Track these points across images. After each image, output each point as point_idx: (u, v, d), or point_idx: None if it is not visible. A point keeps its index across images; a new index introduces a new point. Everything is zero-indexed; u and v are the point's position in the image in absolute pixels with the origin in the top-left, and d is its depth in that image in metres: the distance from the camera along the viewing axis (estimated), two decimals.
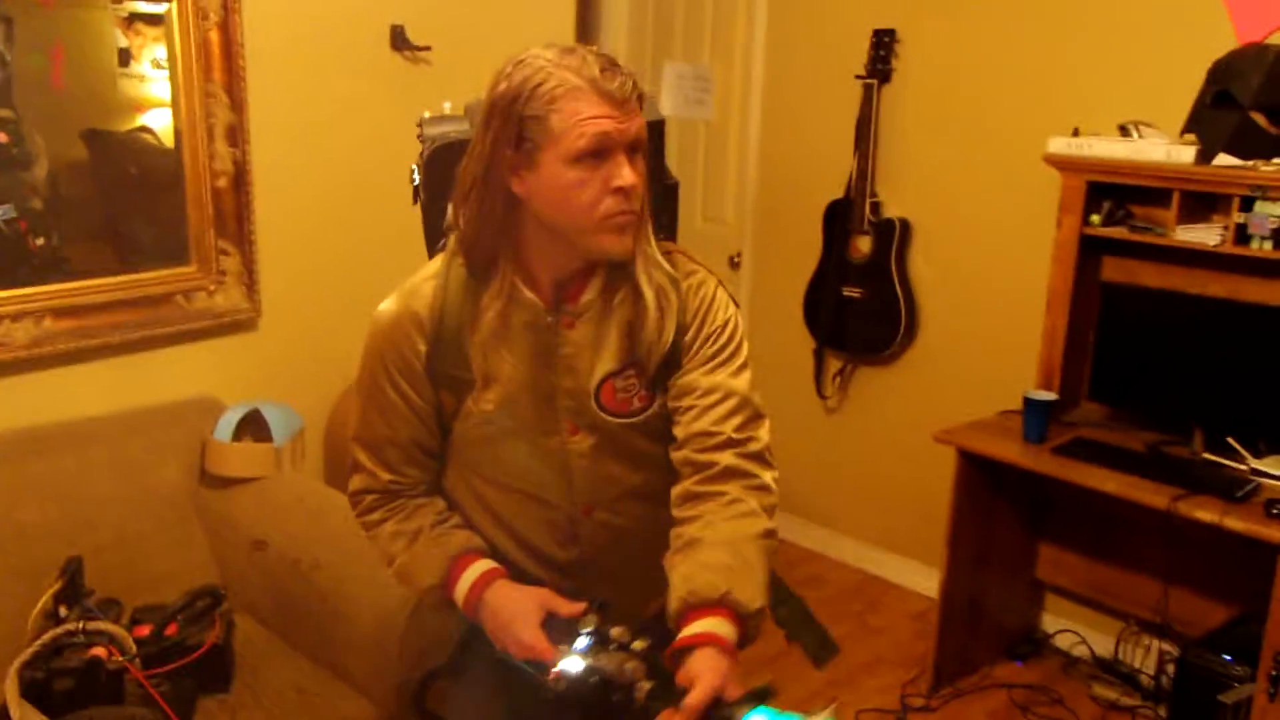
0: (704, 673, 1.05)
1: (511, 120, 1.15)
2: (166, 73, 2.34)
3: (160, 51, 2.32)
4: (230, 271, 2.51)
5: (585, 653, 1.10)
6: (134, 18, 2.28)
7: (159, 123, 2.38)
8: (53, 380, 2.29)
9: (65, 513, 2.11)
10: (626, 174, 1.15)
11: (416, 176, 1.46)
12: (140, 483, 2.24)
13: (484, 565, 1.30)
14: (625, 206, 1.17)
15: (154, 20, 2.31)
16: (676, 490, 1.26)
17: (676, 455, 1.27)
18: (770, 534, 1.24)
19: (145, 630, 1.88)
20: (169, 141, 2.39)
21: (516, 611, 1.23)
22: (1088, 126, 2.63)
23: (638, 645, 1.10)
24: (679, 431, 1.27)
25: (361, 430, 1.34)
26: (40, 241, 2.22)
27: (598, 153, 1.14)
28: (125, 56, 2.28)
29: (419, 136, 1.45)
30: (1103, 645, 2.88)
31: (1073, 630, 2.94)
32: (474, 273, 1.25)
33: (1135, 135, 2.53)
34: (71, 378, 2.31)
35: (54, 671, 1.75)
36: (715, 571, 1.14)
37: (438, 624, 1.95)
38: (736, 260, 3.76)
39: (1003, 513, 2.78)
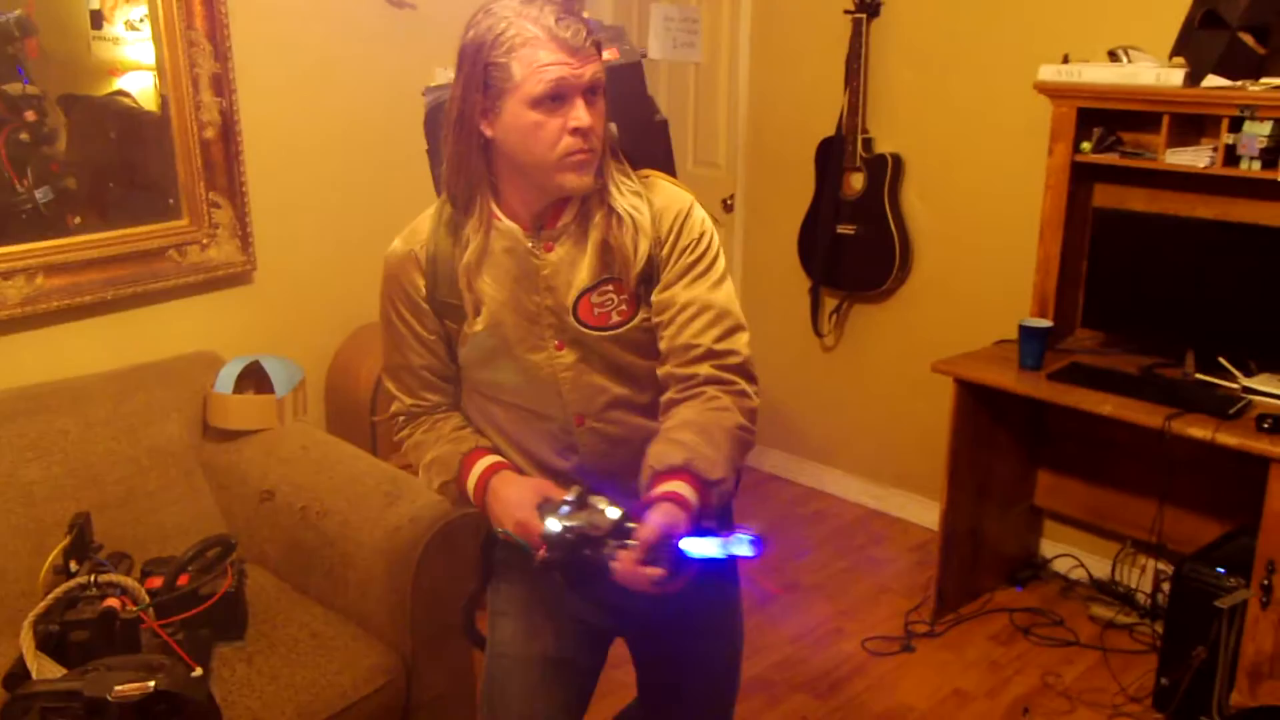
0: (657, 517, 1.17)
1: (478, 67, 1.25)
2: (140, 34, 2.31)
3: (134, 13, 2.29)
4: (223, 224, 2.50)
5: (564, 516, 1.24)
6: None
7: (136, 85, 2.35)
8: (49, 339, 2.29)
9: (69, 471, 2.12)
10: (582, 115, 1.26)
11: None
12: (143, 439, 2.25)
13: (490, 459, 1.42)
14: (583, 145, 1.27)
15: None
16: (662, 401, 1.36)
17: (661, 371, 1.37)
18: (744, 429, 1.32)
19: (157, 581, 1.90)
20: (147, 104, 2.37)
21: (515, 495, 1.35)
22: (1077, 53, 2.62)
23: (612, 510, 1.22)
24: (662, 346, 1.36)
25: (385, 360, 1.49)
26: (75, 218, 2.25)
27: (555, 96, 1.24)
28: (98, 19, 2.25)
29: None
30: (1100, 567, 2.93)
31: (1070, 554, 3.00)
32: (458, 208, 1.36)
33: (1124, 60, 2.52)
34: (68, 336, 2.31)
35: (69, 624, 1.76)
36: (679, 444, 1.26)
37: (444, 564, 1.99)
38: (729, 203, 3.75)
39: (1001, 442, 2.81)
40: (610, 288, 1.35)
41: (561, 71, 1.23)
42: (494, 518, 1.39)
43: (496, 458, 1.43)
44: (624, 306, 1.36)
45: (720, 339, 1.34)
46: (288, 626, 2.01)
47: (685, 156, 3.91)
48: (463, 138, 1.30)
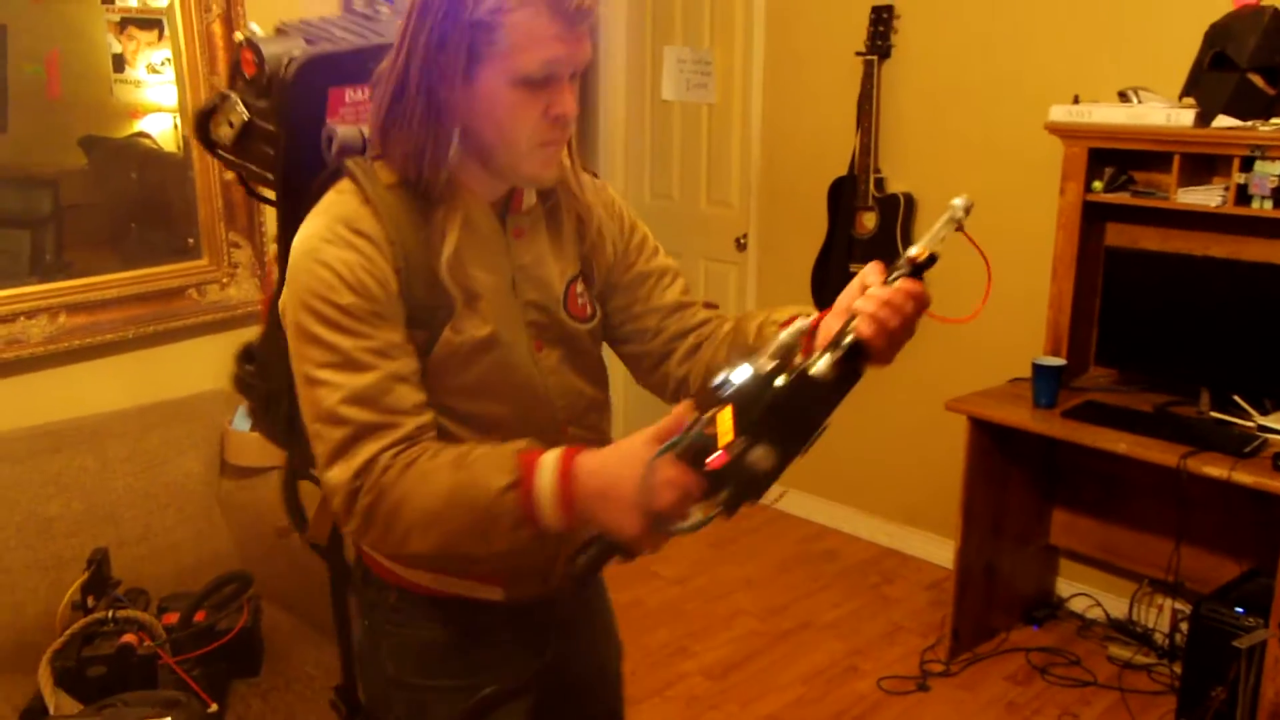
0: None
1: (455, 22, 1.02)
2: (162, 78, 2.35)
3: (155, 56, 2.34)
4: (242, 263, 2.54)
5: (742, 372, 0.96)
6: (127, 22, 2.29)
7: (157, 127, 2.39)
8: (70, 377, 2.31)
9: (88, 507, 2.14)
10: (569, 102, 1.07)
11: (242, 112, 1.18)
12: (161, 476, 2.26)
13: (558, 449, 1.05)
14: (559, 135, 1.09)
15: (148, 25, 2.32)
16: (681, 350, 1.28)
17: (658, 339, 1.29)
18: None
19: (173, 617, 1.91)
20: (168, 146, 2.41)
21: (630, 454, 1.01)
22: (1088, 94, 2.65)
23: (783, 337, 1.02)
24: (650, 320, 1.29)
25: (341, 393, 1.05)
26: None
27: (546, 78, 1.05)
28: (120, 63, 2.29)
29: (251, 61, 1.17)
30: (1117, 606, 2.91)
31: (1087, 593, 2.97)
32: (417, 194, 1.09)
33: (1135, 101, 2.55)
34: (88, 374, 2.34)
35: (86, 659, 1.77)
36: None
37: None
38: (743, 241, 3.78)
39: (1015, 480, 2.80)
40: (582, 277, 1.24)
41: (558, 50, 1.03)
42: (603, 517, 1.02)
43: (561, 448, 1.06)
44: (590, 299, 1.25)
45: (689, 292, 1.33)
46: (303, 663, 2.01)
47: (698, 196, 3.95)
48: (425, 109, 1.04)
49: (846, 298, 1.09)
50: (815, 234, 3.43)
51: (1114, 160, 2.60)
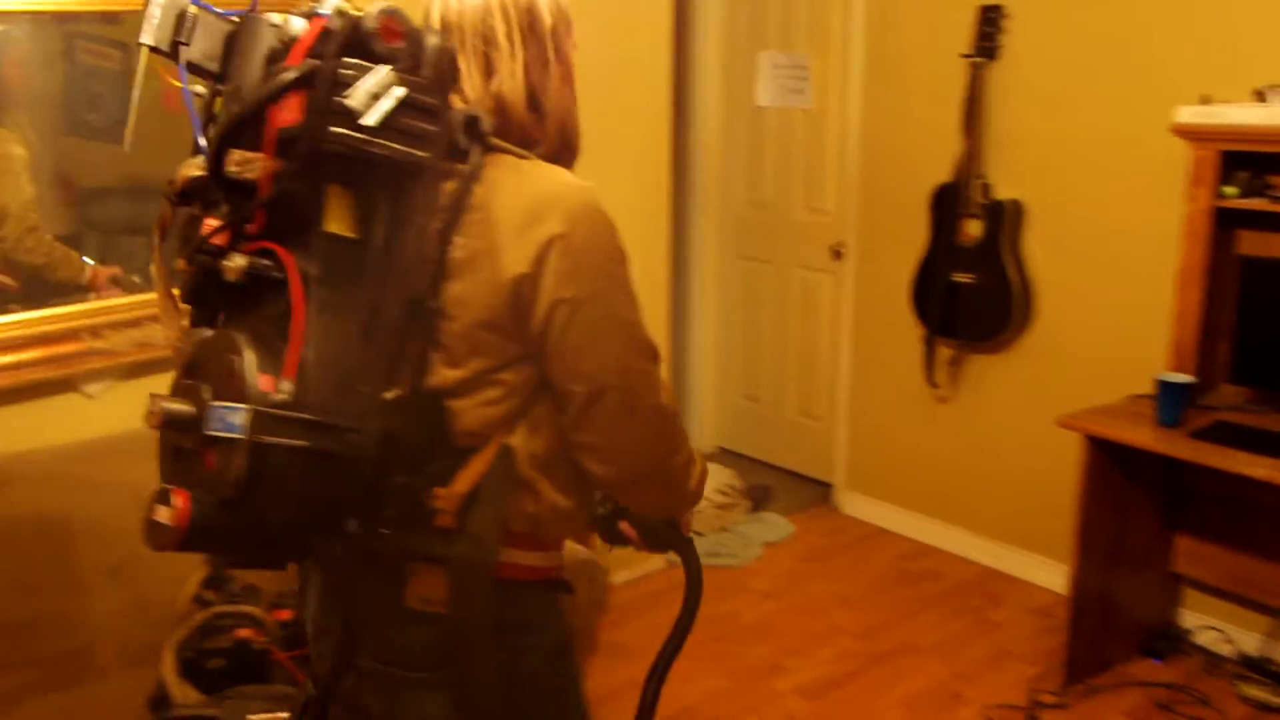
0: None
1: (568, 23, 1.19)
2: None
3: None
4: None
5: None
6: None
7: None
8: None
9: None
10: None
11: (398, 84, 1.01)
12: None
13: None
14: None
15: None
16: None
17: None
18: None
19: (286, 614, 1.95)
20: None
21: None
22: (1219, 93, 2.50)
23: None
24: None
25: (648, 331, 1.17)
26: None
27: None
28: None
29: (397, 32, 1.04)
30: (1249, 642, 2.73)
31: (1215, 627, 2.79)
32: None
33: (1272, 100, 2.39)
34: None
35: (205, 651, 1.84)
36: None
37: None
38: (840, 249, 3.70)
39: (1135, 502, 2.65)
40: None
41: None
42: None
43: None
44: None
45: None
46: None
47: (794, 203, 3.89)
48: (564, 74, 1.18)
49: None
50: (915, 242, 3.33)
51: (1248, 164, 2.44)
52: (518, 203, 1.08)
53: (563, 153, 1.18)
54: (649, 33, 2.97)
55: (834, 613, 3.09)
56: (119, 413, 2.27)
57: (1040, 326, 3.14)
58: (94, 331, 2.21)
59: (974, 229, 3.17)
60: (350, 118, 0.96)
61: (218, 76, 1.04)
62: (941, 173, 3.23)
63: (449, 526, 1.09)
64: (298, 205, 0.98)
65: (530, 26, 1.14)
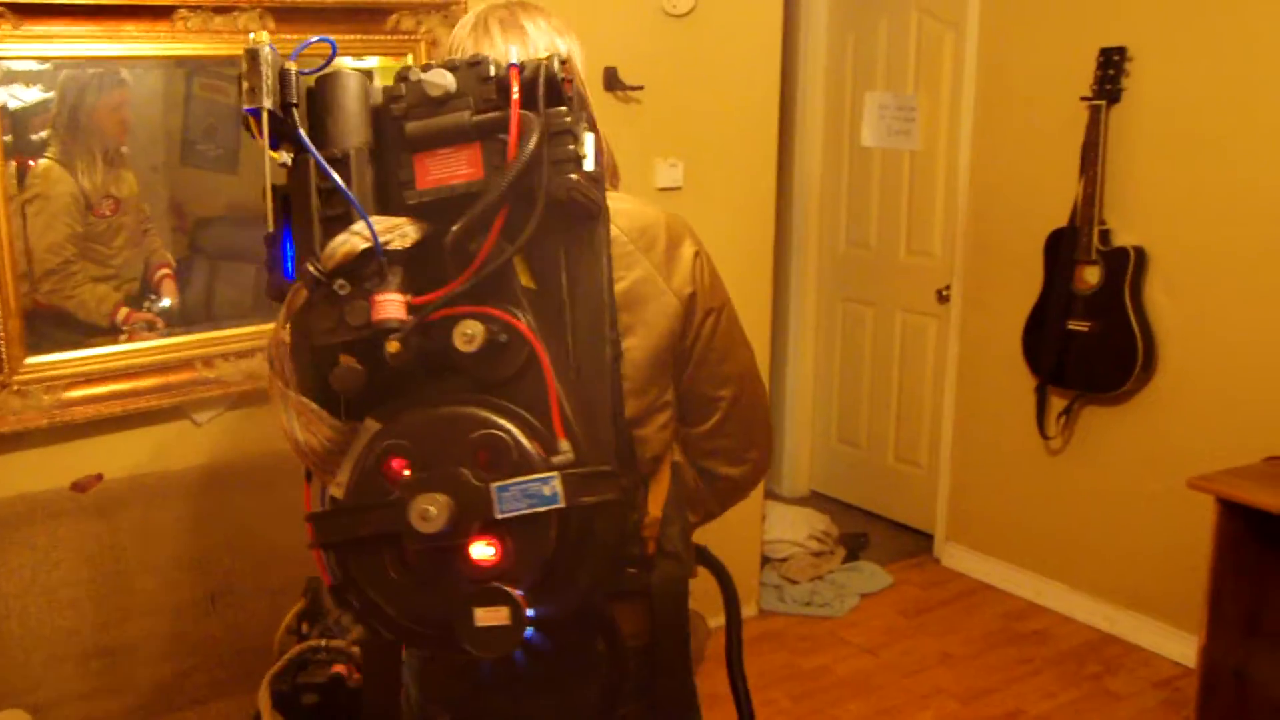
0: None
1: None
2: None
3: None
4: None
5: None
6: None
7: None
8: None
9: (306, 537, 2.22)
10: None
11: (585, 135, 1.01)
12: None
13: None
14: None
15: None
16: None
17: None
18: None
19: None
20: None
21: None
22: None
23: None
24: None
25: None
26: None
27: None
28: None
29: (569, 80, 1.00)
30: None
31: None
32: None
33: None
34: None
35: (300, 686, 1.83)
36: None
37: None
38: (945, 294, 3.59)
39: (1274, 571, 2.46)
40: None
41: None
42: None
43: None
44: None
45: None
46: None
47: (898, 246, 3.80)
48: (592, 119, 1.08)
49: None
50: (1026, 288, 3.21)
51: None
52: (633, 226, 1.12)
53: (614, 179, 1.21)
54: (757, 73, 2.96)
55: (936, 671, 2.95)
56: (224, 442, 2.32)
57: (1164, 379, 2.97)
58: (206, 361, 2.26)
59: (1091, 275, 3.04)
60: (580, 165, 0.93)
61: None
62: (1056, 218, 3.11)
63: (650, 553, 1.11)
64: (504, 264, 0.92)
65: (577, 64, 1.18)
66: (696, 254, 1.17)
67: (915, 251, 3.75)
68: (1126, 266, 2.97)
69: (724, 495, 1.31)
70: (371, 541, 0.90)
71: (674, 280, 1.13)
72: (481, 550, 0.87)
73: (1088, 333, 3.05)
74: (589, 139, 0.94)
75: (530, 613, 0.86)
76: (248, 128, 0.91)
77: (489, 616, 0.86)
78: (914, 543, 3.75)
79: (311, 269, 0.89)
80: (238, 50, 2.18)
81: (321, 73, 0.95)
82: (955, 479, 3.59)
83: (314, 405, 0.93)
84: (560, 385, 0.91)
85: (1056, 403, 3.24)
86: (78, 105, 2.08)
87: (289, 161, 0.95)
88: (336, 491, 0.94)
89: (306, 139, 0.91)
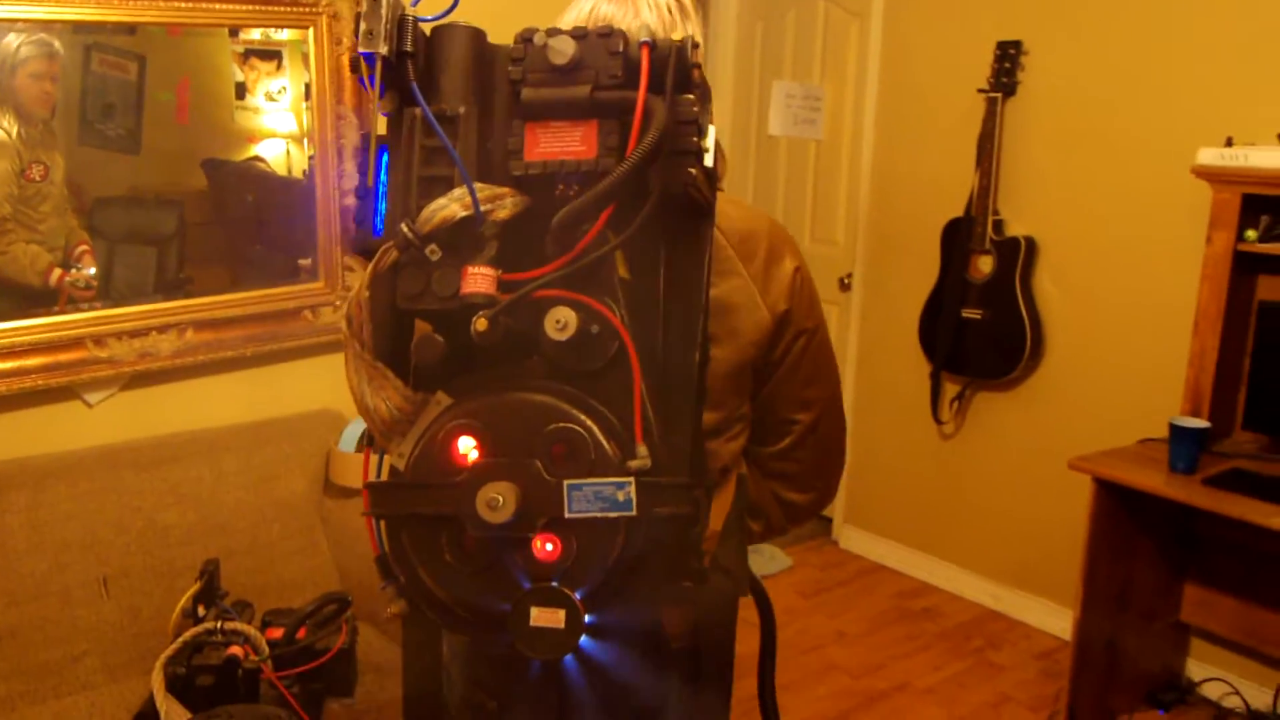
0: None
1: None
2: (278, 105, 2.42)
3: (273, 85, 2.41)
4: (355, 287, 2.55)
5: None
6: (250, 53, 2.37)
7: (271, 152, 2.45)
8: (191, 391, 2.36)
9: (202, 518, 2.17)
10: None
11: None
12: (269, 491, 2.28)
13: None
14: None
15: (268, 56, 2.39)
16: None
17: None
18: None
19: (277, 633, 1.91)
20: (279, 169, 2.46)
21: None
22: (1242, 136, 2.49)
23: None
24: None
25: None
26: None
27: None
28: (241, 90, 2.37)
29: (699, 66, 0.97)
30: (1258, 697, 2.68)
31: (1223, 679, 2.75)
32: None
33: None
34: (207, 389, 2.38)
35: (195, 668, 1.80)
36: None
37: None
38: (847, 281, 3.68)
39: (1143, 548, 2.62)
40: None
41: None
42: None
43: None
44: None
45: None
46: (396, 688, 1.97)
47: (803, 233, 3.87)
48: None
49: None
50: (924, 276, 3.31)
51: (1270, 208, 2.43)
52: (735, 230, 1.09)
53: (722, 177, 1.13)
54: None
55: (830, 649, 3.04)
56: (117, 422, 2.26)
57: (1050, 366, 3.11)
58: (97, 340, 2.18)
59: (985, 265, 3.15)
60: (700, 159, 0.86)
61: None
62: (953, 208, 3.22)
63: (705, 567, 1.04)
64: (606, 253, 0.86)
65: None
66: (797, 269, 1.12)
67: (819, 240, 3.83)
68: (1017, 256, 3.09)
69: (787, 514, 1.28)
70: (430, 521, 0.86)
71: (770, 295, 1.10)
72: (544, 548, 0.84)
73: (980, 320, 3.17)
74: (711, 131, 0.88)
75: (587, 619, 0.83)
76: (355, 71, 0.86)
77: (545, 617, 0.83)
78: (813, 526, 3.85)
79: (406, 230, 0.83)
80: (132, 16, 2.14)
81: (439, 23, 0.89)
82: (853, 464, 3.69)
83: (388, 371, 0.88)
84: (644, 386, 0.86)
85: (950, 389, 3.36)
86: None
87: (391, 113, 0.88)
88: (398, 462, 0.89)
89: (418, 92, 0.85)
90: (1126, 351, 2.92)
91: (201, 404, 2.36)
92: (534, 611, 0.82)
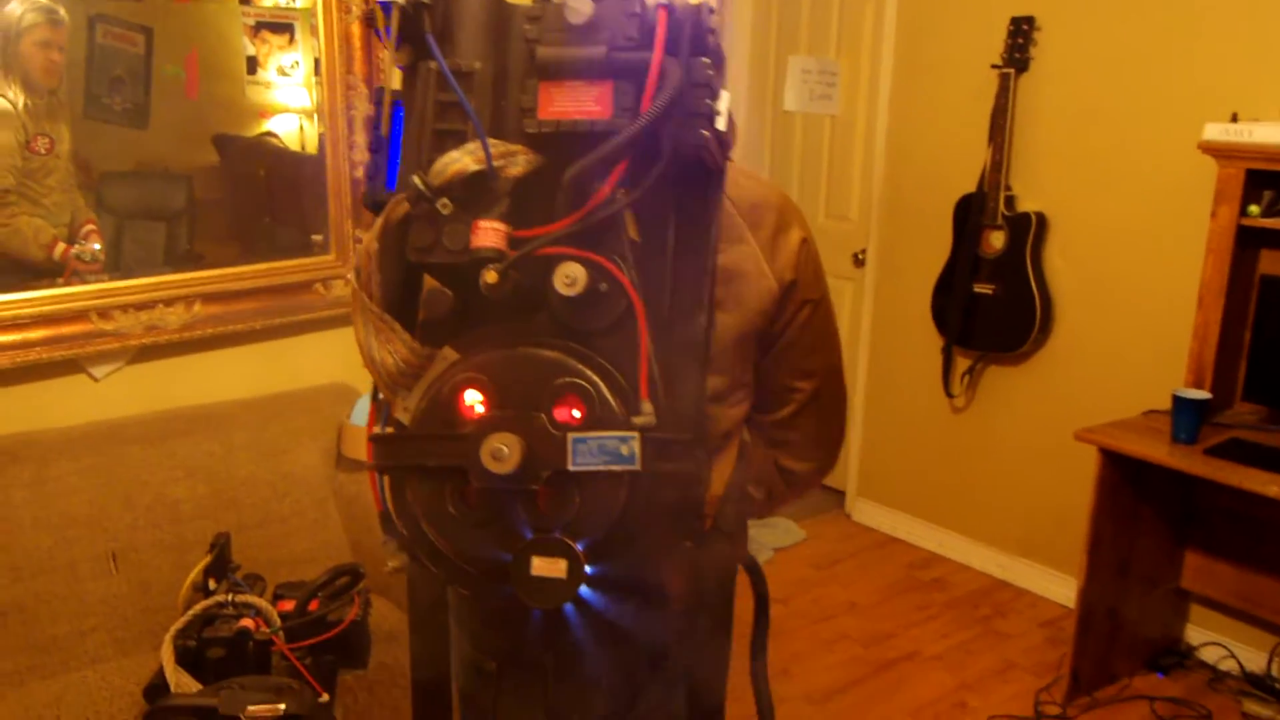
0: None
1: None
2: (290, 80, 2.42)
3: (285, 59, 2.41)
4: (365, 239, 2.59)
5: None
6: (261, 26, 2.36)
7: (283, 128, 2.46)
8: (201, 364, 2.39)
9: (213, 492, 2.21)
10: None
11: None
12: (281, 465, 2.32)
13: None
14: None
15: (280, 29, 2.39)
16: None
17: None
18: None
19: (289, 605, 1.94)
20: (292, 145, 2.48)
21: None
22: (1248, 112, 2.48)
23: None
24: None
25: None
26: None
27: None
28: (252, 65, 2.37)
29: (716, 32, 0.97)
30: (1254, 660, 2.70)
31: (1220, 643, 2.77)
32: None
33: None
34: (218, 362, 2.42)
35: (206, 640, 1.81)
36: None
37: None
38: (861, 256, 3.69)
39: (1146, 517, 2.63)
40: None
41: None
42: None
43: None
44: None
45: None
46: (406, 655, 2.03)
47: (817, 208, 3.88)
48: None
49: None
50: (937, 251, 3.31)
51: (1274, 183, 2.42)
52: (745, 199, 1.10)
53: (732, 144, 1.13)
54: None
55: (842, 619, 3.08)
56: (124, 396, 2.28)
57: (1059, 339, 3.12)
58: (102, 313, 2.20)
59: (997, 240, 3.15)
60: (712, 122, 0.85)
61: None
62: (966, 183, 3.21)
63: (706, 530, 1.07)
64: (616, 211, 0.86)
65: None
66: (804, 240, 1.14)
67: (834, 215, 3.83)
68: (1028, 231, 3.08)
69: (788, 483, 1.30)
70: (434, 473, 0.87)
71: (776, 264, 1.11)
72: (546, 498, 0.84)
73: (991, 295, 3.18)
74: (724, 96, 0.88)
75: (588, 570, 0.83)
76: (371, 24, 0.88)
77: (546, 567, 0.83)
78: (827, 499, 3.89)
79: (418, 181, 0.83)
80: None
81: None
82: (866, 438, 3.72)
83: (395, 323, 0.88)
84: (650, 346, 0.86)
85: (961, 363, 3.37)
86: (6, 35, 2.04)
87: (406, 66, 0.88)
88: (403, 416, 0.89)
89: (435, 45, 0.85)
90: (1133, 325, 2.92)
91: (211, 378, 2.39)
92: (535, 561, 0.82)
